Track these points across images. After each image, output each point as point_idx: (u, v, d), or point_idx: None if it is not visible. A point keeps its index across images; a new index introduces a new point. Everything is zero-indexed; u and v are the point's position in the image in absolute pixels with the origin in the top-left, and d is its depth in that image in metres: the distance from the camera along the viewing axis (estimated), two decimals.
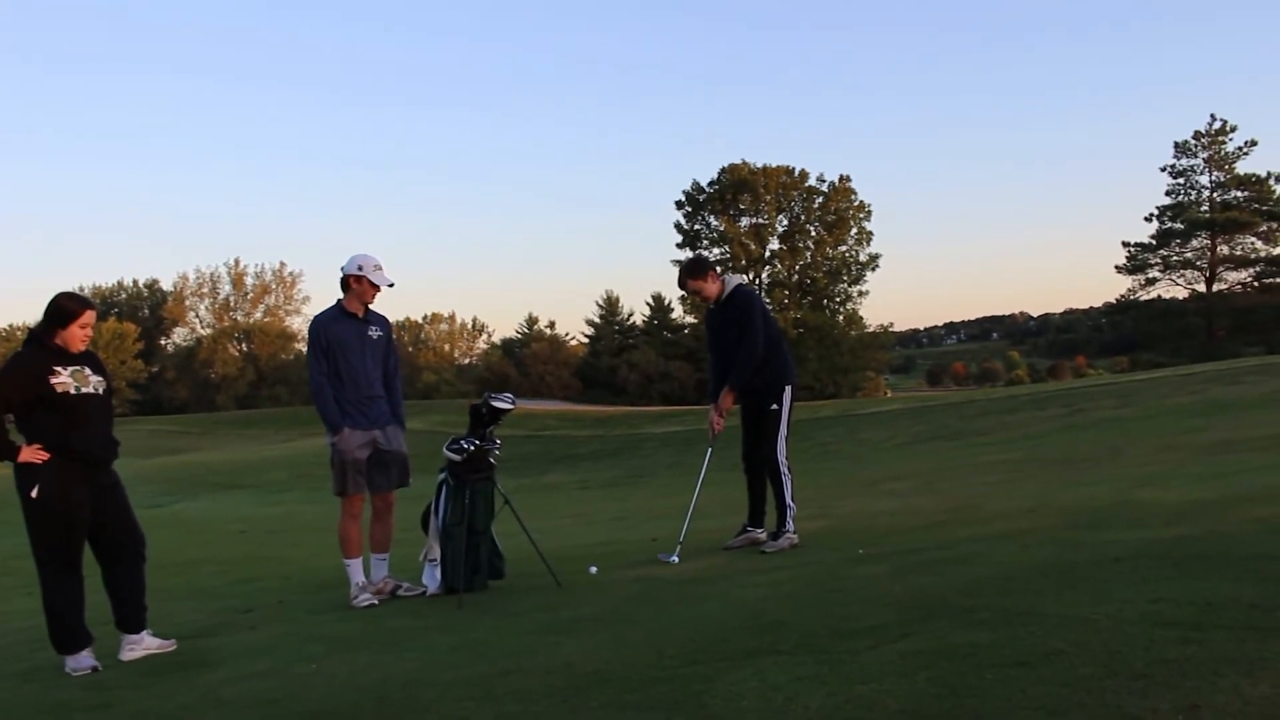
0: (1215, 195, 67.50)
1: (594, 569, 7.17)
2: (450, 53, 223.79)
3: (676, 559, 7.13)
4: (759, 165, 77.31)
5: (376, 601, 6.84)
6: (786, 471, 7.22)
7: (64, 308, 5.53)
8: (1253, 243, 67.37)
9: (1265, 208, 65.74)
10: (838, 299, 79.05)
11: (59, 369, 5.45)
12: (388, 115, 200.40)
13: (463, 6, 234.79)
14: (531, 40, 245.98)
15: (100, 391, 5.62)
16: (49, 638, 5.59)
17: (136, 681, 5.20)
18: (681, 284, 7.60)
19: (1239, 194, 66.59)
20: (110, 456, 5.67)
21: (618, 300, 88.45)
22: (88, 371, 5.58)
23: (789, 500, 7.21)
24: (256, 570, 10.67)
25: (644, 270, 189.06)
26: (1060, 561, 5.24)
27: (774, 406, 7.23)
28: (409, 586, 7.09)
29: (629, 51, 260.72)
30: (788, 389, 7.29)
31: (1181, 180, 68.56)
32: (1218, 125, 66.50)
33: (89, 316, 5.59)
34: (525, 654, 4.68)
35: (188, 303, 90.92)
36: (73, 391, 5.45)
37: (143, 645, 5.78)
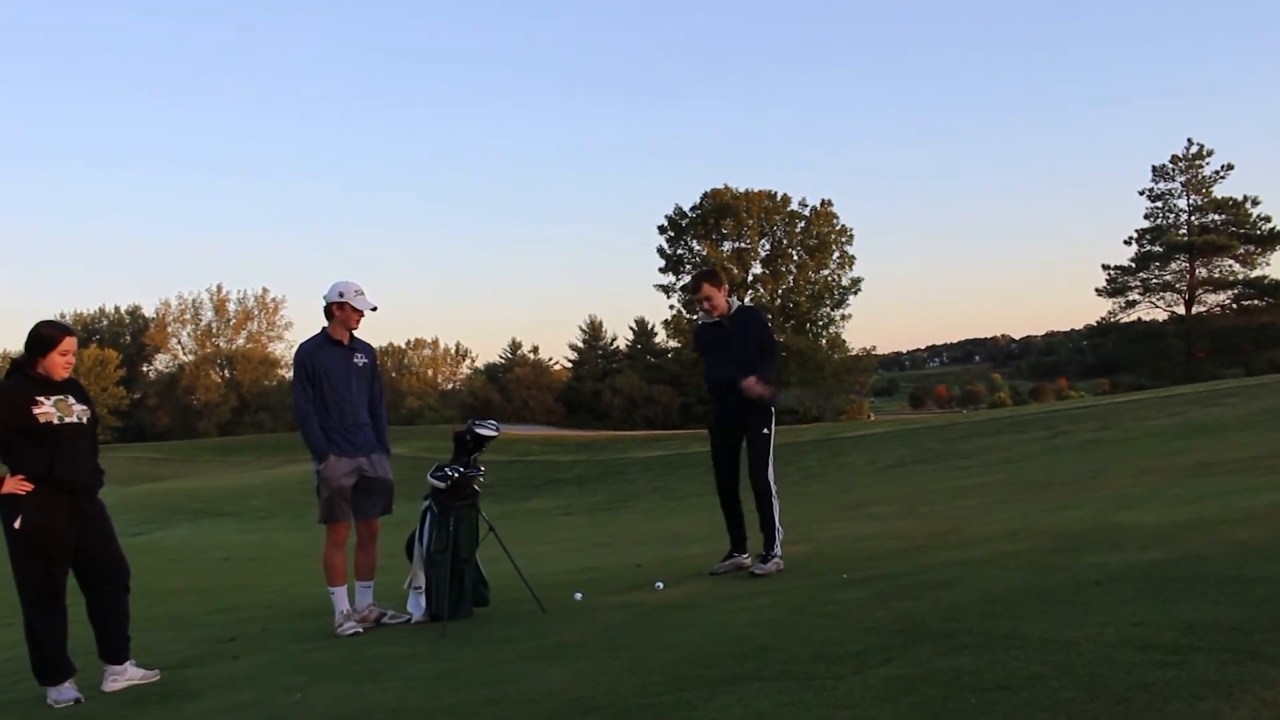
0: (1193, 218, 68.05)
1: (579, 595, 7.16)
2: (432, 78, 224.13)
3: (658, 584, 7.14)
4: (741, 190, 77.67)
5: (361, 630, 6.82)
6: (776, 495, 7.25)
7: (44, 336, 5.52)
8: (1230, 265, 67.88)
9: (1242, 231, 66.26)
10: (820, 323, 79.22)
11: (41, 399, 5.44)
12: (370, 140, 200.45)
13: (444, 31, 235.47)
14: (514, 65, 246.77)
15: (84, 420, 5.60)
16: (31, 669, 5.55)
17: (119, 713, 5.17)
18: (696, 287, 7.62)
19: (1216, 217, 67.14)
20: (95, 485, 5.65)
21: (601, 325, 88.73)
22: (71, 400, 5.56)
23: (778, 523, 7.23)
24: (239, 598, 10.62)
25: (627, 295, 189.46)
26: (1041, 585, 5.26)
27: (765, 430, 7.27)
28: (393, 614, 7.07)
29: (611, 76, 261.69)
30: (773, 412, 7.35)
31: (1160, 204, 69.17)
32: (1195, 149, 67.17)
33: (70, 344, 5.58)
34: (509, 682, 4.68)
35: (170, 329, 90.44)
36: (56, 421, 5.44)
37: (126, 676, 5.74)
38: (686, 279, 77.01)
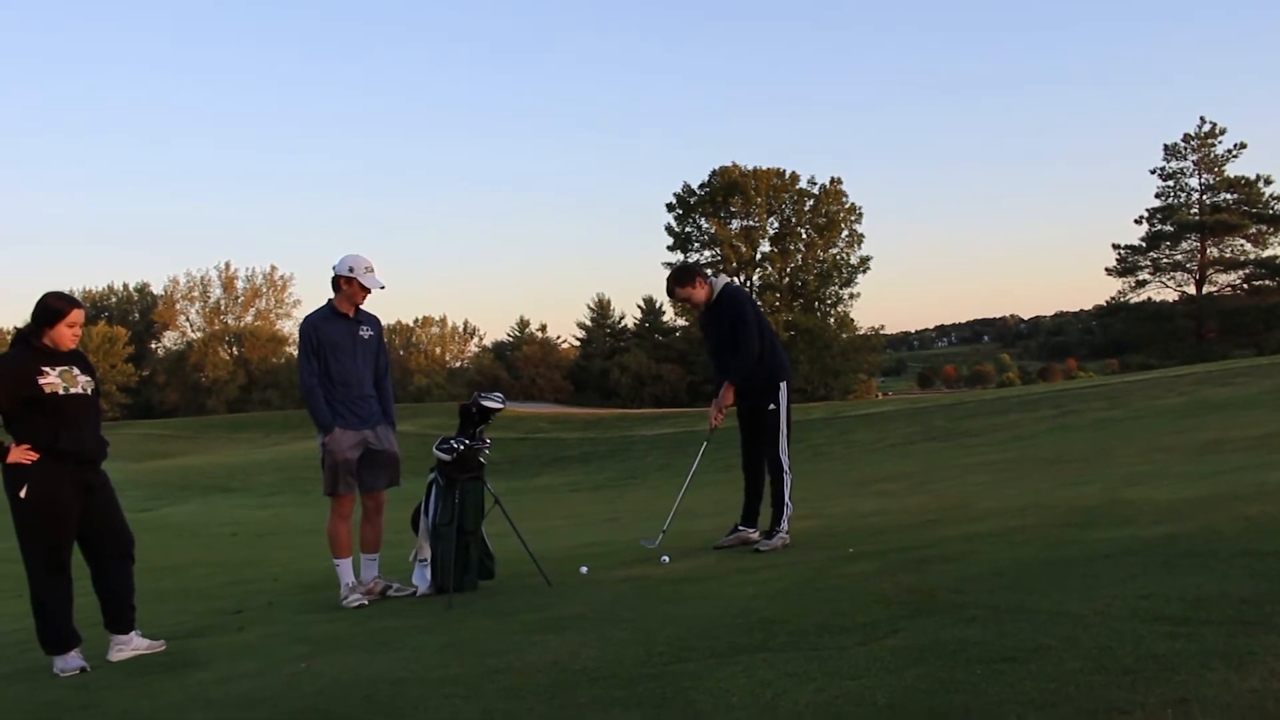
0: (1205, 198, 67.71)
1: (585, 569, 7.15)
2: (442, 55, 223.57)
3: (665, 557, 7.12)
4: (750, 167, 77.51)
5: (366, 602, 6.82)
6: (788, 471, 7.22)
7: (52, 307, 5.51)
8: (1242, 245, 67.64)
9: (1254, 210, 65.91)
10: (829, 301, 79.13)
11: (47, 369, 5.43)
12: (380, 118, 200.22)
13: (455, 8, 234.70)
14: (523, 43, 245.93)
15: (89, 392, 5.59)
16: (37, 638, 5.57)
17: (124, 682, 5.18)
18: (670, 293, 7.59)
19: (1228, 196, 66.75)
20: (99, 456, 5.65)
21: (609, 303, 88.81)
22: (76, 371, 5.55)
23: (787, 499, 7.21)
24: (246, 572, 10.64)
25: (635, 273, 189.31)
26: (1050, 559, 5.24)
27: (771, 406, 7.24)
28: (399, 587, 7.07)
29: (620, 53, 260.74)
30: (783, 386, 7.29)
31: (1171, 183, 68.81)
32: (1207, 128, 66.75)
33: (77, 315, 5.57)
34: (514, 652, 4.67)
35: (178, 306, 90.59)
36: (61, 392, 5.43)
37: (131, 646, 5.76)
38: (695, 257, 76.89)
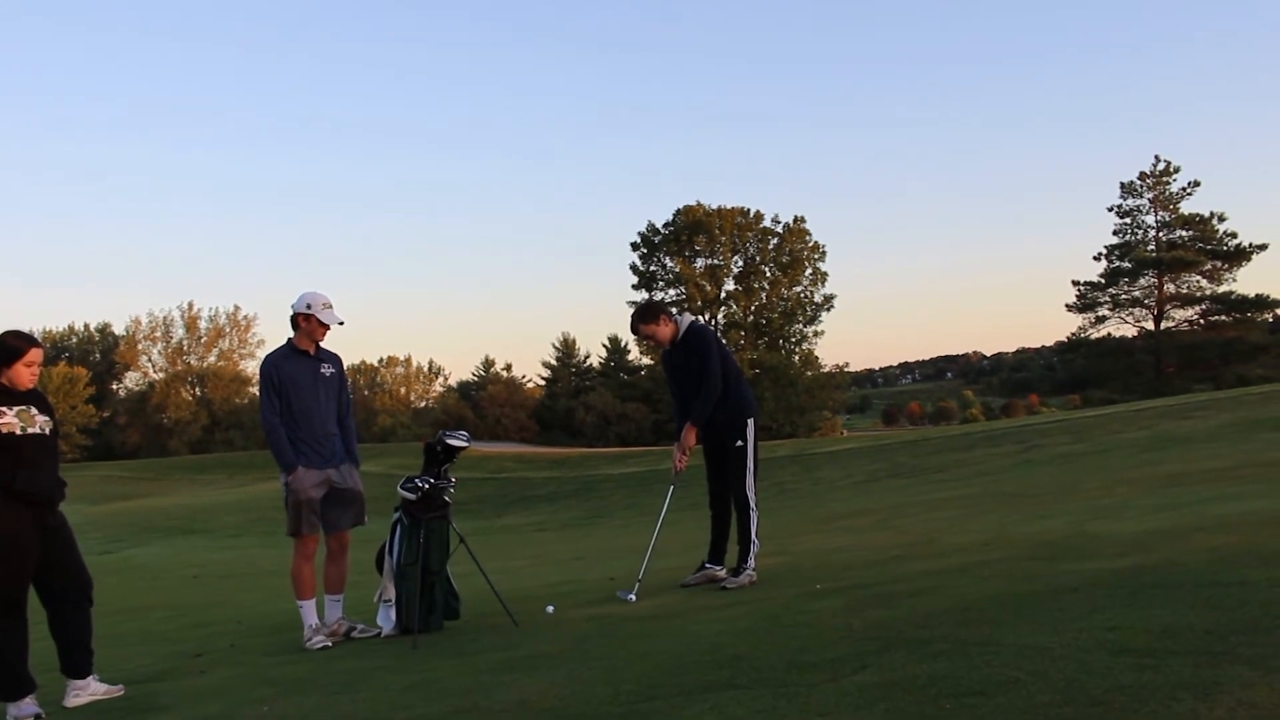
0: (1161, 235, 68.68)
1: (551, 608, 7.10)
2: (403, 93, 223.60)
3: (634, 597, 7.08)
4: (714, 206, 77.90)
5: (330, 643, 6.74)
6: (754, 507, 7.20)
7: (9, 346, 5.43)
8: (1198, 281, 68.52)
9: (1209, 247, 66.91)
10: (793, 339, 79.42)
11: (4, 409, 5.34)
12: (342, 157, 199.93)
13: (416, 46, 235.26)
14: (486, 80, 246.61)
15: (46, 432, 5.51)
16: None
17: None
18: (634, 330, 7.57)
19: (1184, 233, 67.78)
20: (57, 497, 5.55)
21: (574, 342, 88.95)
22: (34, 411, 5.47)
23: (754, 537, 7.19)
24: (208, 615, 10.49)
25: (601, 312, 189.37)
26: (1016, 592, 5.25)
27: (739, 443, 7.23)
28: (363, 628, 6.99)
29: (583, 92, 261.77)
30: (750, 423, 7.29)
31: (1128, 220, 69.80)
32: (1162, 166, 67.87)
33: (35, 354, 5.49)
34: (480, 692, 4.62)
35: (140, 346, 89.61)
36: (18, 432, 5.34)
37: (89, 691, 5.64)
38: (660, 295, 77.09)
